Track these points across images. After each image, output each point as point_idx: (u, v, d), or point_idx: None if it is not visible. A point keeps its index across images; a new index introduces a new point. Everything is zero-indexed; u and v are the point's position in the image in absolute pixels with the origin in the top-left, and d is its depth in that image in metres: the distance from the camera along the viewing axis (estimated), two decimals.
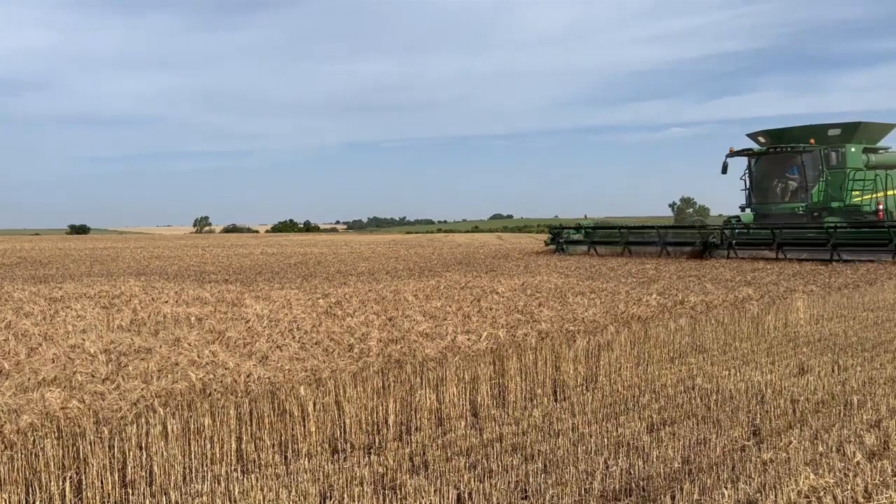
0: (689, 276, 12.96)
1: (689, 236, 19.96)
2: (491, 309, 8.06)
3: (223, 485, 3.87)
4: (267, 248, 34.46)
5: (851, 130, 20.91)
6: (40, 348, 5.64)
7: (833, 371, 6.38)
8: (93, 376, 4.69)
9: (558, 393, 5.87)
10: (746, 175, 21.68)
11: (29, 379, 4.63)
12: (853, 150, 20.74)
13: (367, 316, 7.55)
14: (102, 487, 3.77)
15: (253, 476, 4.02)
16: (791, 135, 21.38)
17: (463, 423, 5.05)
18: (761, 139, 22.40)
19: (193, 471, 4.09)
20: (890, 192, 20.88)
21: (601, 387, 6.02)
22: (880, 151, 22.27)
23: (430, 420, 5.06)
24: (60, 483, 3.67)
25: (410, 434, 4.87)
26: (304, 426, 4.52)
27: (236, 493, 3.75)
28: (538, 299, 9.03)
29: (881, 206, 20.27)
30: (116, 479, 3.83)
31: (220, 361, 5.09)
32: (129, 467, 3.87)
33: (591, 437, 4.59)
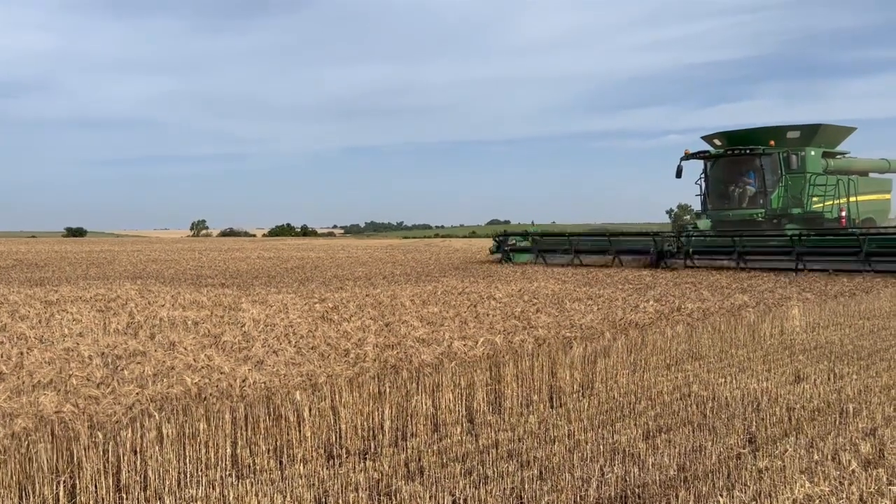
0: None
1: (642, 244, 18.47)
2: (488, 315, 8.06)
3: (218, 490, 3.85)
4: (264, 252, 34.43)
5: (811, 133, 20.04)
6: (35, 352, 5.63)
7: (829, 379, 6.38)
8: (88, 380, 4.68)
9: (554, 399, 5.87)
10: (702, 179, 20.63)
11: (24, 382, 4.62)
12: (813, 153, 19.86)
13: (363, 321, 7.54)
14: (96, 492, 3.75)
15: (248, 481, 4.01)
16: (749, 137, 20.41)
17: (459, 430, 5.04)
18: (717, 142, 21.46)
19: (188, 475, 4.07)
20: (851, 199, 20.01)
21: (597, 393, 6.02)
22: (839, 156, 21.52)
23: (425, 426, 5.05)
24: (54, 487, 3.66)
25: (406, 440, 4.86)
26: (300, 431, 4.51)
27: (231, 498, 3.74)
28: (535, 305, 9.03)
29: (844, 213, 19.50)
30: (111, 483, 3.81)
31: (215, 366, 5.08)
32: (124, 472, 3.85)
33: (586, 443, 4.58)
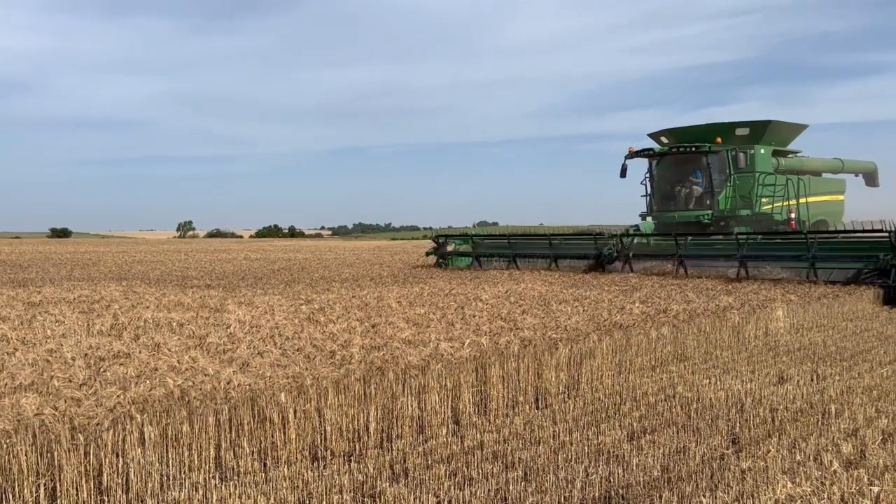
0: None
1: (583, 247, 17.42)
2: (474, 316, 8.07)
3: (201, 492, 3.83)
4: (251, 253, 34.29)
5: (760, 130, 18.92)
6: (17, 353, 5.57)
7: (812, 380, 6.44)
8: (70, 382, 4.64)
9: (540, 401, 5.88)
10: (647, 179, 19.31)
11: (5, 384, 4.57)
12: (762, 151, 18.72)
13: (349, 322, 7.53)
14: (77, 495, 3.72)
15: (231, 483, 3.99)
16: (696, 134, 19.16)
17: (444, 431, 5.04)
18: (664, 139, 20.13)
19: (171, 478, 4.04)
20: (801, 200, 18.90)
21: (583, 394, 6.04)
22: (791, 155, 20.53)
23: (411, 427, 5.04)
24: (34, 490, 3.62)
25: (391, 441, 4.85)
26: (284, 433, 4.49)
27: (214, 500, 3.72)
28: (522, 307, 9.04)
29: (793, 215, 18.17)
30: (92, 486, 3.78)
31: (199, 368, 5.05)
32: (105, 474, 3.82)
33: (571, 444, 4.59)
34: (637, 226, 19.38)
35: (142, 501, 3.83)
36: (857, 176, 23.13)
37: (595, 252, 16.59)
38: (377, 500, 3.76)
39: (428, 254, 21.15)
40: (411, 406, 5.08)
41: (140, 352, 5.71)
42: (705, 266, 14.82)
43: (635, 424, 5.07)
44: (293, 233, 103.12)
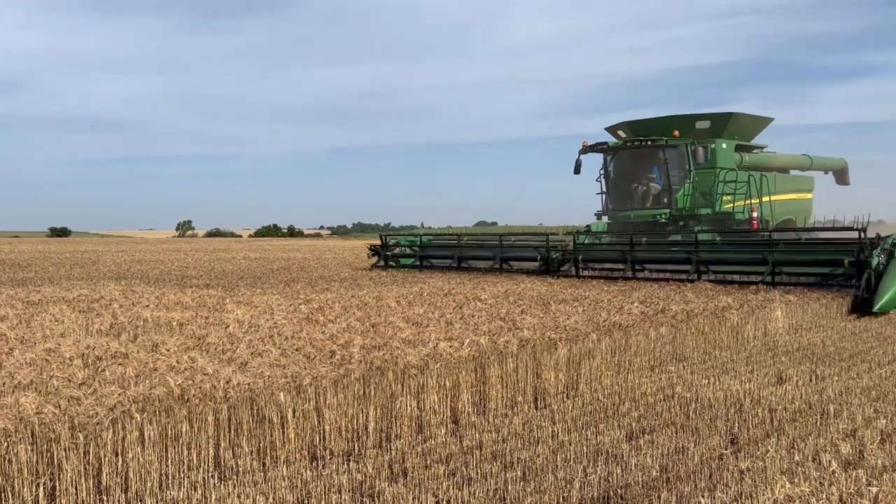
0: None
1: (531, 250, 16.18)
2: (473, 316, 8.07)
3: (200, 491, 3.83)
4: (250, 252, 34.27)
5: (722, 123, 17.62)
6: (16, 352, 5.57)
7: (811, 380, 6.44)
8: (69, 381, 4.64)
9: (539, 400, 5.88)
10: (602, 175, 17.95)
11: (4, 383, 4.58)
12: (724, 146, 17.37)
13: (349, 322, 7.53)
14: (77, 494, 3.72)
15: (230, 483, 3.99)
16: (654, 127, 17.71)
17: (443, 431, 5.05)
18: (621, 133, 18.63)
19: (170, 477, 4.05)
20: (766, 198, 17.62)
21: (581, 394, 6.04)
22: (755, 151, 19.18)
23: (410, 427, 5.05)
24: (34, 489, 3.62)
25: (390, 441, 4.86)
26: (283, 433, 4.50)
27: (213, 499, 3.72)
28: (521, 306, 9.05)
29: (755, 214, 16.79)
30: (91, 485, 3.78)
31: (199, 367, 5.05)
32: (105, 473, 3.82)
33: (570, 444, 4.60)
34: (588, 226, 18.15)
35: (141, 500, 3.83)
36: (826, 173, 21.99)
37: (543, 255, 15.32)
38: (376, 499, 3.76)
39: (370, 256, 19.82)
40: (410, 406, 5.09)
41: (139, 351, 5.71)
42: (658, 269, 13.83)
43: (634, 424, 5.07)
44: (292, 232, 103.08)
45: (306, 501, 3.77)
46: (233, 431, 4.33)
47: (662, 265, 13.90)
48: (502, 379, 5.74)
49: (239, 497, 3.73)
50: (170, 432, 4.09)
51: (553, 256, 15.17)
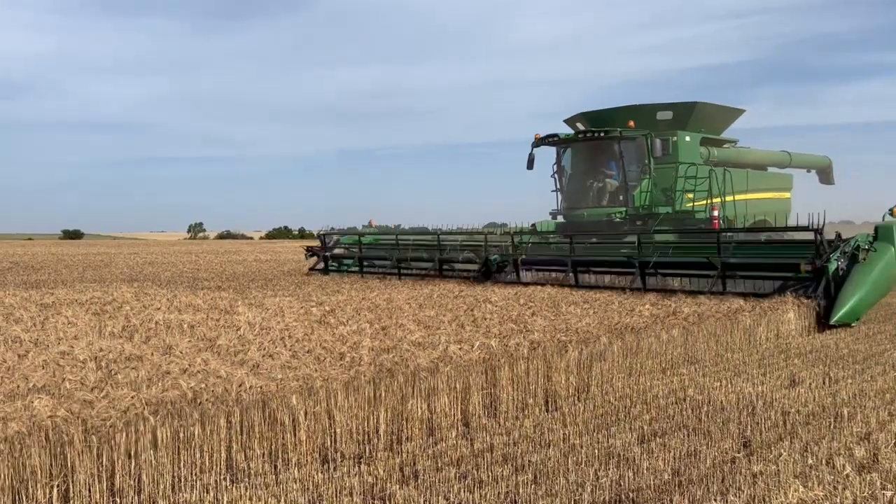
0: None
1: (471, 252, 14.72)
2: (484, 318, 8.06)
3: (212, 494, 3.85)
4: (261, 254, 34.41)
5: (686, 114, 16.20)
6: (30, 355, 5.62)
7: (824, 383, 6.40)
8: (82, 384, 4.67)
9: (550, 403, 5.87)
10: (555, 171, 16.48)
11: (18, 386, 4.62)
12: (688, 139, 15.96)
13: (359, 325, 7.54)
14: (90, 496, 3.75)
15: (242, 485, 4.01)
16: (613, 118, 16.32)
17: (454, 433, 5.05)
18: (580, 125, 17.25)
19: (182, 479, 4.07)
20: (738, 197, 16.33)
21: (593, 397, 6.02)
22: (727, 145, 17.78)
23: (420, 430, 5.05)
24: (48, 492, 3.65)
25: (401, 444, 4.86)
26: (295, 435, 4.51)
27: (225, 502, 3.74)
28: (531, 309, 9.03)
29: (716, 213, 15.22)
30: (105, 487, 3.81)
31: (211, 370, 5.08)
32: (118, 476, 3.85)
33: (581, 447, 4.59)
34: (534, 225, 16.69)
35: (154, 503, 3.85)
36: (808, 171, 20.73)
37: (483, 257, 13.87)
38: (387, 502, 3.76)
39: (308, 258, 18.10)
40: (421, 408, 5.09)
41: (152, 354, 5.74)
42: (602, 273, 12.71)
43: (646, 427, 5.05)
44: (303, 234, 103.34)
45: None
46: (244, 434, 4.35)
47: (608, 269, 12.66)
48: (513, 381, 5.73)
49: (251, 499, 3.74)
50: (182, 435, 4.11)
51: (492, 259, 13.75)
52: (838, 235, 10.33)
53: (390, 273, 15.92)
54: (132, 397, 4.28)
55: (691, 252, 11.99)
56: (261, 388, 4.66)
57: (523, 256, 13.70)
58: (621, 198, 15.50)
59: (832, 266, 9.82)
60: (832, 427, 4.99)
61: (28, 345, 6.20)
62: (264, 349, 6.00)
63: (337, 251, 18.21)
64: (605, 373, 6.51)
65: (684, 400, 5.80)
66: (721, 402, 5.69)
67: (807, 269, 9.89)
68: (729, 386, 6.27)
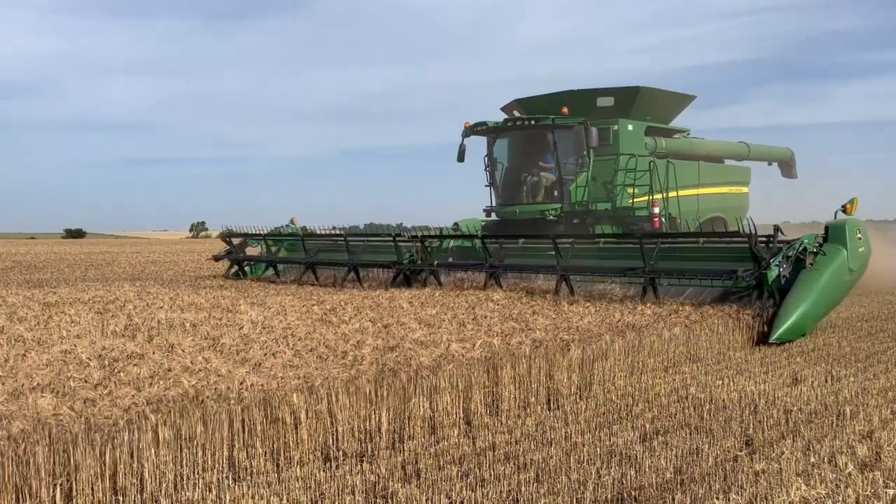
0: None
1: (387, 253, 13.21)
2: (486, 317, 8.07)
3: (214, 492, 3.86)
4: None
5: (629, 100, 14.59)
6: (33, 354, 5.63)
7: (826, 381, 6.39)
8: (85, 382, 4.68)
9: (552, 402, 5.87)
10: (487, 164, 14.93)
11: (21, 385, 4.62)
12: (630, 128, 14.46)
13: (361, 323, 7.55)
14: (93, 494, 3.75)
15: (244, 483, 4.01)
16: (551, 104, 14.71)
17: (456, 432, 5.05)
18: (516, 113, 15.76)
19: (185, 478, 4.07)
20: (688, 192, 15.06)
21: (595, 396, 6.02)
22: (676, 135, 16.11)
23: (422, 428, 5.06)
24: (51, 490, 3.66)
25: (403, 442, 4.86)
26: (297, 434, 4.52)
27: (227, 500, 3.75)
28: (533, 307, 9.03)
29: (657, 210, 13.69)
30: (107, 486, 3.81)
31: (213, 368, 5.08)
32: (121, 474, 3.85)
33: (583, 446, 4.59)
34: (457, 224, 15.25)
35: (156, 501, 3.86)
36: (770, 164, 19.30)
37: (397, 260, 12.54)
38: (389, 500, 3.77)
39: (218, 258, 16.55)
40: (423, 407, 5.09)
41: (154, 352, 5.75)
42: (523, 278, 11.33)
43: (648, 426, 5.05)
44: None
45: (320, 502, 3.78)
46: (247, 432, 4.35)
47: (527, 273, 11.36)
48: (515, 380, 5.73)
49: (253, 498, 3.75)
50: (184, 433, 4.11)
51: (406, 261, 12.42)
52: (775, 229, 8.83)
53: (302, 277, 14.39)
54: (134, 396, 4.30)
55: (614, 256, 10.78)
56: (262, 386, 4.67)
57: (437, 261, 12.36)
58: (556, 193, 14.11)
59: (772, 274, 8.49)
60: (834, 425, 4.99)
61: (31, 343, 6.21)
62: (266, 348, 6.00)
63: (251, 252, 16.47)
64: (607, 371, 6.51)
65: (686, 398, 5.80)
66: (723, 401, 5.69)
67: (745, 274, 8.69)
68: (731, 384, 6.27)
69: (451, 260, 12.61)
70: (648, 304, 9.01)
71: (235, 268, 16.11)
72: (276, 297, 10.71)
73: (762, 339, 8.25)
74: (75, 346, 5.94)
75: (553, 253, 10.76)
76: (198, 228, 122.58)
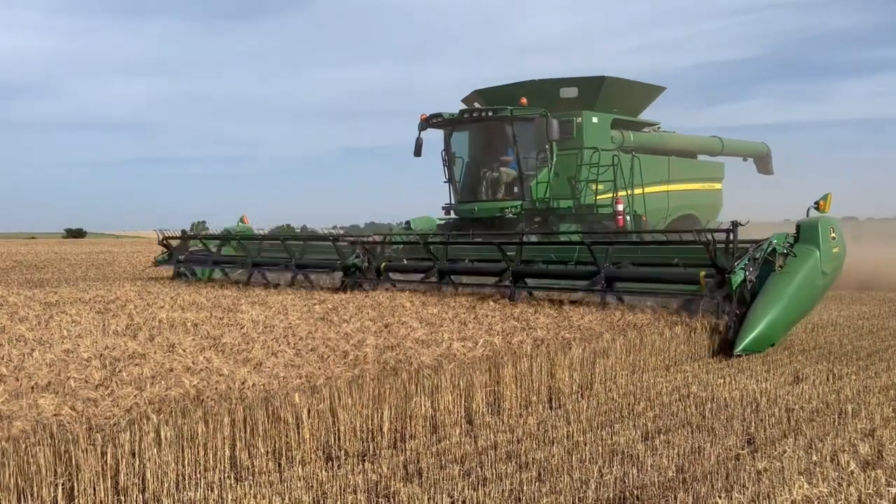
0: None
1: (330, 256, 12.13)
2: (487, 315, 8.06)
3: (216, 492, 3.86)
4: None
5: (593, 91, 13.89)
6: (34, 353, 5.63)
7: (828, 380, 6.39)
8: (86, 382, 4.68)
9: (553, 400, 5.87)
10: (445, 158, 14.20)
11: (22, 385, 4.62)
12: (595, 120, 13.77)
13: (363, 322, 7.54)
14: (95, 494, 3.75)
15: (246, 483, 4.01)
16: (513, 95, 13.85)
17: (458, 431, 5.05)
18: (477, 104, 14.69)
19: (186, 478, 4.07)
20: (659, 188, 14.46)
21: (596, 394, 6.02)
22: (645, 129, 15.40)
23: (424, 427, 5.05)
24: (52, 490, 3.66)
25: (405, 441, 4.86)
26: (299, 433, 4.51)
27: (229, 500, 3.74)
28: (534, 306, 9.02)
29: (621, 207, 13.05)
30: (109, 485, 3.81)
31: (214, 368, 5.08)
32: (122, 474, 3.85)
33: (585, 444, 4.58)
34: (408, 222, 14.21)
35: (158, 501, 3.86)
36: (745, 160, 18.61)
37: (341, 263, 11.54)
38: (391, 500, 3.77)
39: (159, 261, 15.44)
40: (424, 406, 5.09)
41: (155, 352, 5.75)
42: (471, 283, 10.41)
43: (649, 424, 5.05)
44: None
45: (322, 502, 3.78)
46: (248, 432, 4.35)
47: (475, 277, 10.48)
48: (516, 379, 5.73)
49: (255, 497, 3.75)
50: (186, 433, 4.11)
51: (351, 264, 11.40)
52: (733, 224, 7.75)
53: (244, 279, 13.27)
54: (136, 395, 4.29)
55: (566, 257, 9.98)
56: (264, 385, 4.66)
57: (385, 263, 11.44)
58: (516, 190, 13.40)
59: (737, 278, 7.57)
60: (836, 424, 4.98)
61: (32, 343, 6.21)
62: (268, 347, 6.00)
63: (195, 252, 15.25)
64: (609, 370, 6.50)
65: (688, 397, 5.80)
66: (725, 399, 5.68)
67: (707, 278, 7.85)
68: (733, 383, 6.27)
69: (405, 262, 11.72)
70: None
71: (181, 268, 14.95)
72: (277, 296, 10.70)
73: (727, 349, 7.57)
74: (76, 345, 5.94)
75: (512, 254, 9.91)
76: (198, 228, 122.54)
